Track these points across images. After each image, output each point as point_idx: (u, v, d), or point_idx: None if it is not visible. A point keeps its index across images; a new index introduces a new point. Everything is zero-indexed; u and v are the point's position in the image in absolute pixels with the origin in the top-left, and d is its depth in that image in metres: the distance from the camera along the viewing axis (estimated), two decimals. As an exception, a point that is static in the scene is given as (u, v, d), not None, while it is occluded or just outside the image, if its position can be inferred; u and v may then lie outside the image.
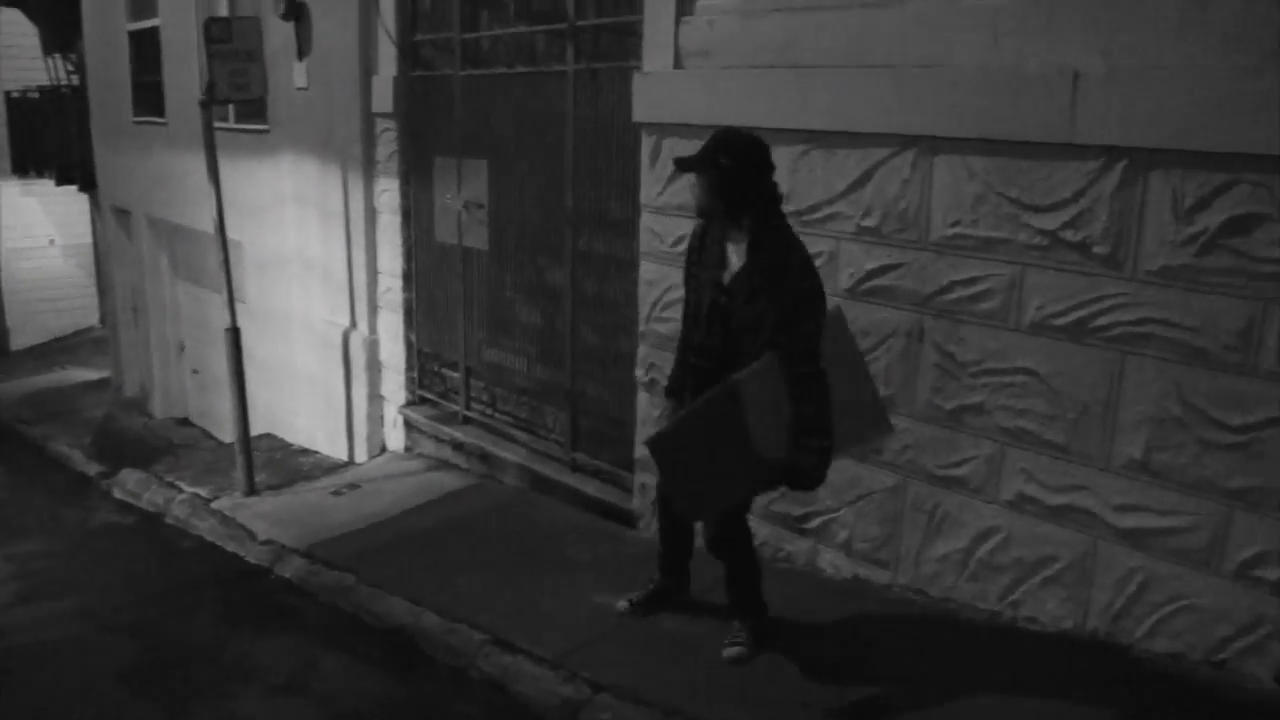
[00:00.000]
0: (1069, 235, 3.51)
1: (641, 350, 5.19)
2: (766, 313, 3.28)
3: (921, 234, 3.92)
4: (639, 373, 5.22)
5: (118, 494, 7.39)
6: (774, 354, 3.24)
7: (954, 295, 3.85)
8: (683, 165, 3.45)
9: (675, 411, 3.68)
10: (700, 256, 3.55)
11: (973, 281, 3.80)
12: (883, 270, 4.06)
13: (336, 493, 6.56)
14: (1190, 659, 3.40)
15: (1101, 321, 3.48)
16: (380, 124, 6.88)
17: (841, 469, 3.95)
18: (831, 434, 3.31)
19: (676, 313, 4.93)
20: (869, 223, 4.06)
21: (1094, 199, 3.43)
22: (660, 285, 5.01)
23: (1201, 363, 3.27)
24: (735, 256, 3.39)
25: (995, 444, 3.82)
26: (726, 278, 3.41)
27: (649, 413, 5.19)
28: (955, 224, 3.82)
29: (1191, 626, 3.40)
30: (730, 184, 3.32)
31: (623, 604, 4.18)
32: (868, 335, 4.07)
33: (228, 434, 8.57)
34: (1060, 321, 3.57)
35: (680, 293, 4.88)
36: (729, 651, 3.71)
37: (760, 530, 4.66)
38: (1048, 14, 3.48)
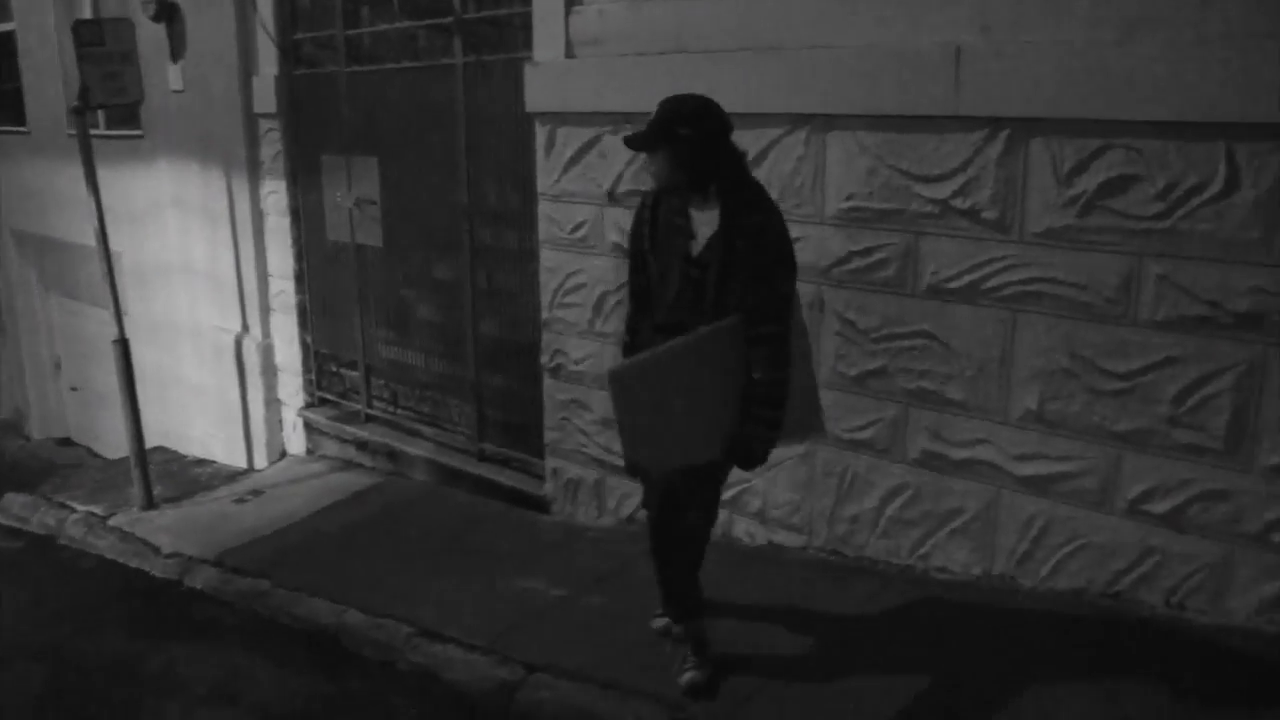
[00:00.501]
0: (958, 203, 3.70)
1: (545, 337, 5.25)
2: (744, 274, 3.09)
3: (818, 208, 4.07)
4: (544, 359, 5.28)
5: (2, 519, 7.09)
6: (740, 315, 3.10)
7: (852, 265, 4.02)
8: (637, 144, 3.21)
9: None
10: (654, 232, 3.27)
11: (869, 251, 3.97)
12: (782, 245, 4.20)
13: (240, 500, 6.45)
14: (1091, 592, 3.64)
15: (993, 283, 3.68)
16: (264, 124, 6.76)
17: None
18: (784, 408, 3.15)
19: (579, 299, 5.03)
20: (767, 200, 4.19)
21: (980, 167, 3.63)
22: (561, 272, 5.08)
23: (1087, 316, 3.50)
24: (704, 225, 3.15)
25: (899, 405, 4.00)
26: (696, 249, 3.15)
27: (555, 398, 5.26)
28: (850, 197, 3.98)
29: (1090, 563, 3.64)
30: (693, 153, 3.11)
31: (686, 678, 3.46)
32: (772, 309, 4.20)
33: (114, 450, 8.34)
34: (954, 285, 3.77)
35: (582, 279, 5.00)
36: (658, 624, 3.79)
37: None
38: (928, -7, 3.67)
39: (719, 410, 3.18)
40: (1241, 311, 3.22)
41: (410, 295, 6.29)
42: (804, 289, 4.10)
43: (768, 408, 3.14)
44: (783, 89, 4.06)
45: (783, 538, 4.46)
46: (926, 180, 3.76)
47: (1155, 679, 3.22)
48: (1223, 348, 3.28)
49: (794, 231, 4.07)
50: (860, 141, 3.91)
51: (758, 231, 3.10)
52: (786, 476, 4.38)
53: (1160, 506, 3.47)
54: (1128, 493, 3.52)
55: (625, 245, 4.63)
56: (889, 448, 4.06)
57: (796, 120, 4.07)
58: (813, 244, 4.10)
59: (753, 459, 3.25)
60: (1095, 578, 3.63)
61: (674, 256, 3.20)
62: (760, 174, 4.17)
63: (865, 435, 4.12)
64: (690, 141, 3.10)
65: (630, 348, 3.47)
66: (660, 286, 3.27)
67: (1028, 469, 3.72)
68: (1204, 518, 3.40)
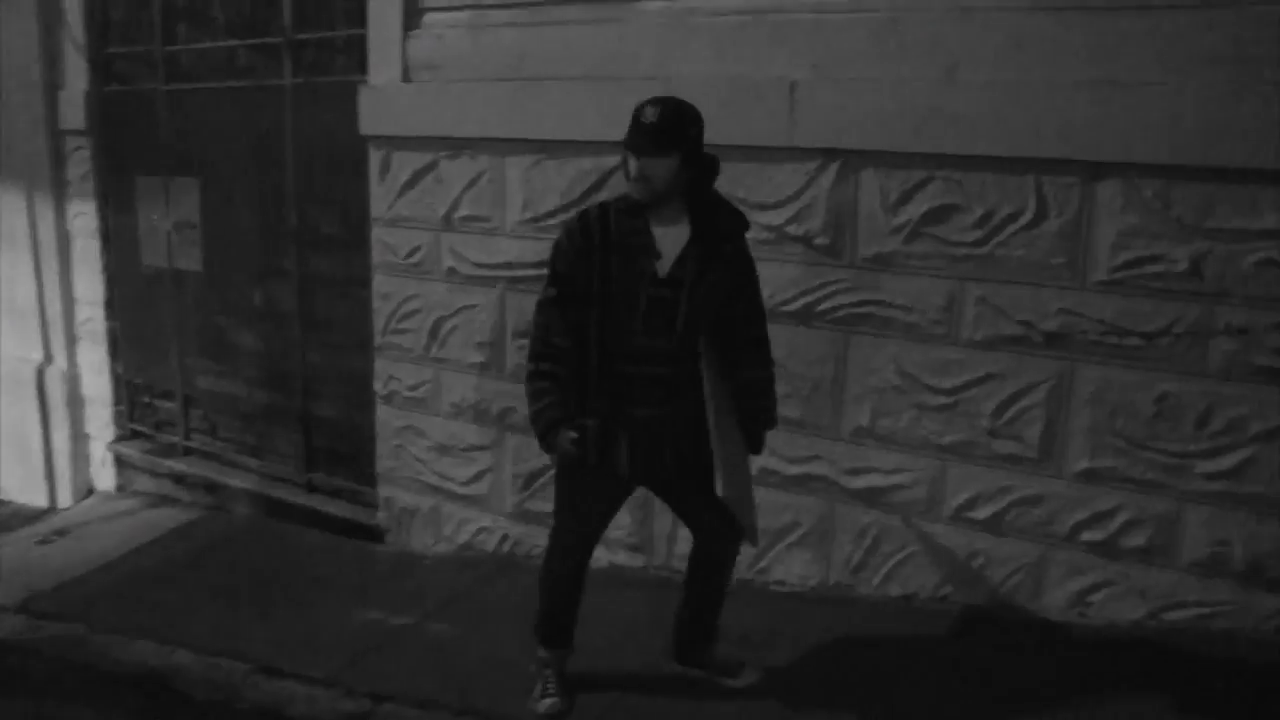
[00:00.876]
0: (793, 229, 3.88)
1: (378, 364, 5.18)
2: (721, 285, 3.03)
3: (658, 234, 4.18)
4: (377, 386, 5.20)
5: None
6: (705, 338, 3.05)
7: (692, 290, 4.14)
8: (649, 149, 2.92)
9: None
10: (605, 257, 3.00)
11: (708, 276, 4.10)
12: (623, 270, 4.29)
13: (44, 541, 6.04)
14: (921, 597, 3.85)
15: (826, 305, 3.88)
16: (71, 142, 6.41)
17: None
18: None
19: (414, 324, 4.99)
20: (608, 226, 4.28)
21: (814, 196, 3.82)
22: (396, 298, 5.03)
23: (914, 336, 3.73)
24: (672, 241, 2.98)
25: (738, 425, 4.14)
26: (664, 268, 2.97)
27: (389, 425, 5.18)
28: (689, 224, 4.10)
29: (919, 570, 3.86)
30: (696, 155, 2.95)
31: (546, 704, 3.45)
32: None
33: (-112, 493, 7.68)
34: (790, 308, 3.94)
35: (417, 304, 4.95)
36: (745, 678, 3.52)
37: (513, 529, 4.80)
38: (765, 30, 3.84)
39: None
40: (1051, 330, 3.51)
41: (233, 322, 6.07)
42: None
43: (772, 398, 3.27)
44: (620, 118, 4.11)
45: (623, 558, 4.53)
46: (763, 208, 3.93)
47: (986, 668, 3.44)
48: (1035, 364, 3.56)
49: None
50: (699, 170, 4.05)
51: (740, 236, 3.08)
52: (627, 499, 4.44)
53: (982, 513, 3.72)
54: (953, 501, 3.76)
55: (490, 274, 4.68)
56: (729, 466, 4.19)
57: (636, 148, 4.17)
58: (653, 269, 4.20)
59: (762, 445, 3.33)
60: (925, 583, 3.85)
61: (638, 280, 2.98)
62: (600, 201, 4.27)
63: (706, 454, 4.23)
64: (696, 142, 2.96)
65: (555, 393, 3.10)
66: (624, 314, 3.00)
67: (860, 482, 3.92)
68: (1021, 521, 3.67)
